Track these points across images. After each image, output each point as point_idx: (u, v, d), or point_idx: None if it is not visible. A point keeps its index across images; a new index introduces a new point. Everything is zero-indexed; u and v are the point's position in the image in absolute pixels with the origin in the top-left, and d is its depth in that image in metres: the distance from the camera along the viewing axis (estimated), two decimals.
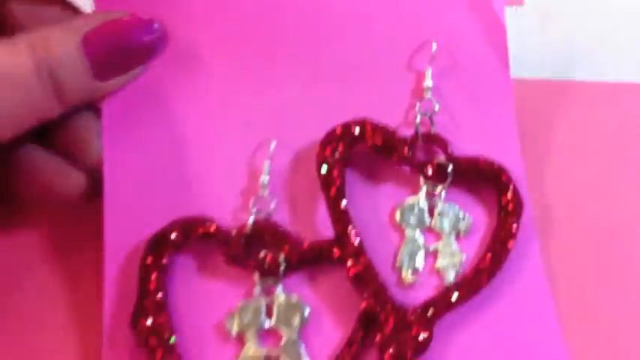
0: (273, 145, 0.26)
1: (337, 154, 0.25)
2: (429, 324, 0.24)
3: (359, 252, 0.25)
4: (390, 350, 0.24)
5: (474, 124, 0.27)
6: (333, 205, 0.25)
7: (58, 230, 0.27)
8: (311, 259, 0.25)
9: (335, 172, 0.25)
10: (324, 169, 0.25)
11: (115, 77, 0.24)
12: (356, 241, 0.25)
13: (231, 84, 0.27)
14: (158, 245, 0.24)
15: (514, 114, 0.28)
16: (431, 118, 0.27)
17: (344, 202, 0.25)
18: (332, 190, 0.25)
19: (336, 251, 0.25)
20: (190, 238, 0.24)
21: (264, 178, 0.26)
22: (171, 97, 0.26)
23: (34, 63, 0.21)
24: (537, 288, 0.26)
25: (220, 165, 0.26)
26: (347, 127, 0.26)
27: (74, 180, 0.24)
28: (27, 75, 0.21)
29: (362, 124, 0.26)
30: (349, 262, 0.24)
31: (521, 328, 0.25)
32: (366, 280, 0.24)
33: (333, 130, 0.26)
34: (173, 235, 0.24)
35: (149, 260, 0.24)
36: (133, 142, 0.26)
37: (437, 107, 0.27)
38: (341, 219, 0.25)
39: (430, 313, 0.24)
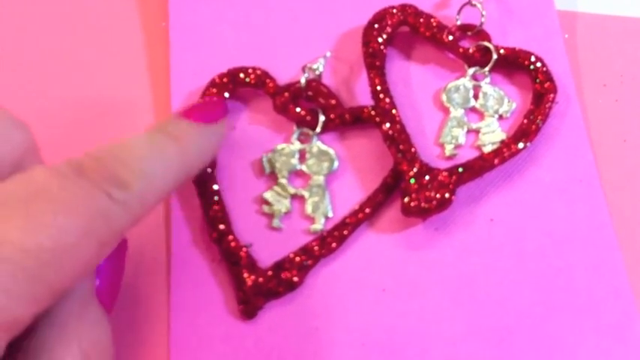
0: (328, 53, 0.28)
1: (384, 34, 0.27)
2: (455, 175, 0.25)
3: (392, 114, 0.26)
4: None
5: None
6: (374, 75, 0.27)
7: None
8: (348, 120, 0.26)
9: (378, 47, 0.27)
10: (368, 45, 0.27)
11: None
12: (390, 105, 0.26)
13: None
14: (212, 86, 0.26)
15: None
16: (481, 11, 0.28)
17: (384, 76, 0.27)
18: (375, 62, 0.27)
19: (372, 112, 0.26)
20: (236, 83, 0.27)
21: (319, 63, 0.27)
22: None
23: None
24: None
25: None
26: (390, 9, 0.27)
27: None
28: None
29: (403, 7, 0.27)
30: (382, 121, 0.26)
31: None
32: (398, 139, 0.26)
33: (381, 11, 0.27)
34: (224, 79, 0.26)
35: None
36: None
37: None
38: (381, 88, 0.26)
39: (461, 170, 0.25)
